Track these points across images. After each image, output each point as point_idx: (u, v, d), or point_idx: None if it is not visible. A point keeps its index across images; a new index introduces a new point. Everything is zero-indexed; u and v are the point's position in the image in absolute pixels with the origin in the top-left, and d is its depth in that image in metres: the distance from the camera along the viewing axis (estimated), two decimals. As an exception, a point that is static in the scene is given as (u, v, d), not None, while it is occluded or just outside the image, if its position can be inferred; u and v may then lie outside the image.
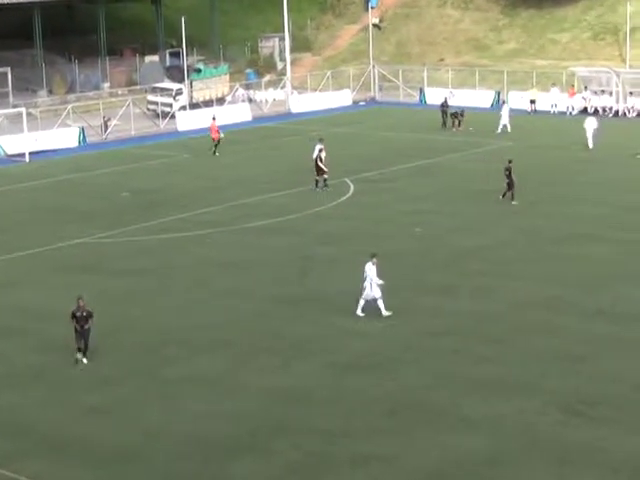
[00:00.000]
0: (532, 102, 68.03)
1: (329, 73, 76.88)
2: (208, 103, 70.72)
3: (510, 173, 42.52)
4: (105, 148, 60.82)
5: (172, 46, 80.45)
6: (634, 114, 65.31)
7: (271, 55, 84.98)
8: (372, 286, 29.43)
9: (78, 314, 27.09)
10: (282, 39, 78.96)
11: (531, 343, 27.79)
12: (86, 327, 27.09)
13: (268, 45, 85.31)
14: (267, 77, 79.41)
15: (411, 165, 52.08)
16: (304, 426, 23.31)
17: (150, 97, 70.57)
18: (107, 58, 77.70)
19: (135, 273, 35.36)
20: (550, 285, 32.52)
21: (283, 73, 78.20)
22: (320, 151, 46.14)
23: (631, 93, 65.94)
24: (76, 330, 27.13)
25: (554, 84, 68.78)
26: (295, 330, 29.35)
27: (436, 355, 27.26)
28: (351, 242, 38.23)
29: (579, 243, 37.21)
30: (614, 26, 76.84)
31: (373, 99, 77.66)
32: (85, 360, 27.12)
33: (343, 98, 75.40)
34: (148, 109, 69.59)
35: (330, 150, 47.47)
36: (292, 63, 78.35)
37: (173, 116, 67.30)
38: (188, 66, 71.72)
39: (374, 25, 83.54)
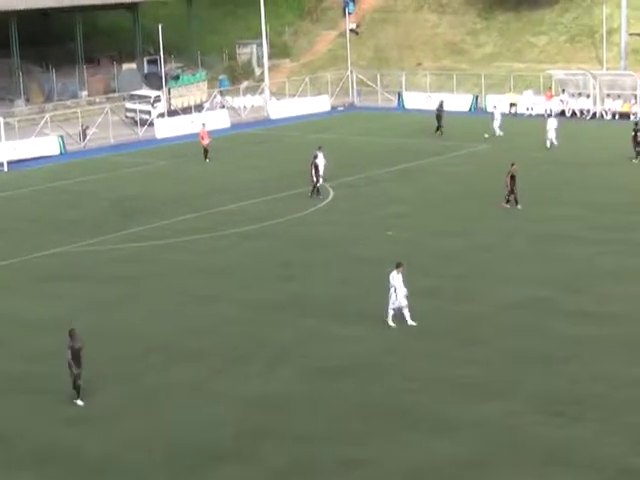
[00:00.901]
0: (512, 105, 68.34)
1: (307, 79, 76.87)
2: (186, 110, 70.61)
3: (511, 177, 42.26)
4: (84, 156, 60.63)
5: (150, 53, 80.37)
6: (611, 116, 65.64)
7: (249, 61, 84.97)
8: (398, 295, 29.34)
9: (76, 346, 24.65)
10: (260, 45, 78.91)
11: (514, 345, 27.86)
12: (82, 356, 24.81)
13: (246, 51, 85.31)
14: (245, 83, 79.33)
15: (391, 169, 52.15)
16: (288, 431, 23.28)
17: (128, 105, 70.43)
18: (84, 66, 77.52)
19: (117, 281, 35.25)
20: (533, 286, 32.61)
21: (261, 79, 78.17)
22: (315, 157, 46.14)
23: (608, 95, 66.27)
24: (71, 365, 24.72)
25: (528, 87, 69.13)
26: (278, 335, 29.32)
27: (419, 358, 27.28)
28: (332, 247, 38.27)
29: (559, 244, 37.35)
30: (590, 29, 77.12)
31: (352, 104, 77.77)
32: (80, 402, 25.05)
33: (322, 103, 75.45)
34: (126, 117, 69.47)
35: (309, 156, 47.31)
36: (270, 69, 78.32)
37: (151, 123, 67.21)
38: (166, 73, 71.58)
39: (351, 30, 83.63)
